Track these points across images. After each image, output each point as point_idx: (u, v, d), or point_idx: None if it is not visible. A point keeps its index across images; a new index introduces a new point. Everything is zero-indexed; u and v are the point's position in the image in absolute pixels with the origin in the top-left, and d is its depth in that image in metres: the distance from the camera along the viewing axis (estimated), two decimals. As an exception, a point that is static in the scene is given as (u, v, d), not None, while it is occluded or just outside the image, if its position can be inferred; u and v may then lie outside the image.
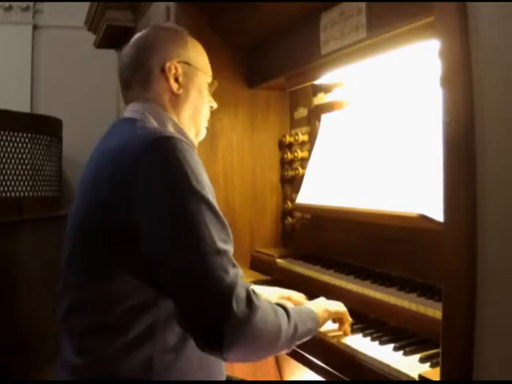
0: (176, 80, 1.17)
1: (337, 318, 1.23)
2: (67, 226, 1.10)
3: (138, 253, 0.97)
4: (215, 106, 1.29)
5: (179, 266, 0.93)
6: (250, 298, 0.93)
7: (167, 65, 1.16)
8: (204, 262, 0.91)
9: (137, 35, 1.23)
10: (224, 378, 1.15)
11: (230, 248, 0.96)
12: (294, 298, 1.39)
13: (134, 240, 0.96)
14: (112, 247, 0.99)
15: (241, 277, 0.95)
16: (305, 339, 1.11)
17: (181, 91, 1.18)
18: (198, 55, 1.23)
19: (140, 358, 0.98)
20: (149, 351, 0.99)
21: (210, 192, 0.98)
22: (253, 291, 0.95)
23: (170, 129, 1.14)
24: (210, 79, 1.26)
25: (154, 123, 1.11)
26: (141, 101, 1.16)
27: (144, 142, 0.98)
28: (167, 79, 1.16)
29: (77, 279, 1.04)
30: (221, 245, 0.93)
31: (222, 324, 0.89)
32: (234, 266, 0.94)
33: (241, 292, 0.91)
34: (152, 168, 0.96)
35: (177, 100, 1.18)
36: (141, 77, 1.17)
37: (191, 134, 1.22)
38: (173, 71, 1.16)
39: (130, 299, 0.98)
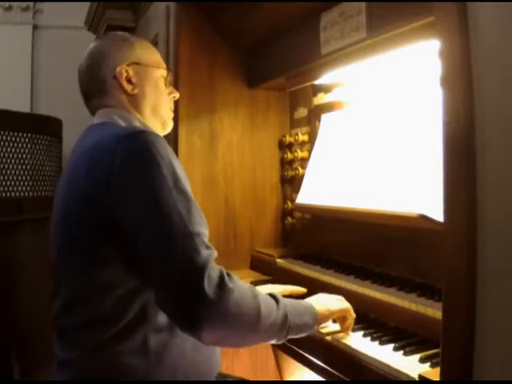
0: (130, 82, 1.23)
1: (339, 317, 1.23)
2: (50, 228, 1.17)
3: (120, 242, 1.01)
4: (177, 95, 1.35)
5: (154, 252, 0.97)
6: (222, 280, 0.95)
7: (117, 70, 1.22)
8: (176, 245, 0.95)
9: (88, 49, 1.28)
10: (219, 360, 1.18)
11: (203, 230, 1.00)
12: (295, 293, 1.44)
13: (116, 231, 1.01)
14: (96, 240, 1.03)
15: (214, 258, 0.97)
16: (303, 333, 1.11)
17: (136, 91, 1.23)
18: (146, 53, 1.28)
19: (136, 340, 1.02)
20: (143, 333, 1.02)
21: (182, 180, 1.02)
22: (227, 274, 0.97)
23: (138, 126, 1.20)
24: (164, 72, 1.30)
25: (122, 124, 1.17)
26: (104, 108, 1.22)
27: (117, 137, 1.04)
28: (120, 83, 1.22)
29: (67, 278, 1.08)
30: (193, 227, 0.97)
31: (194, 304, 0.92)
32: (207, 247, 0.97)
33: (213, 273, 0.94)
34: (125, 161, 1.00)
35: (135, 100, 1.24)
36: (97, 88, 1.23)
37: (157, 129, 1.28)
38: (124, 75, 1.22)
39: (119, 287, 1.02)
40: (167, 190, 0.99)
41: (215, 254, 0.99)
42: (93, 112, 1.26)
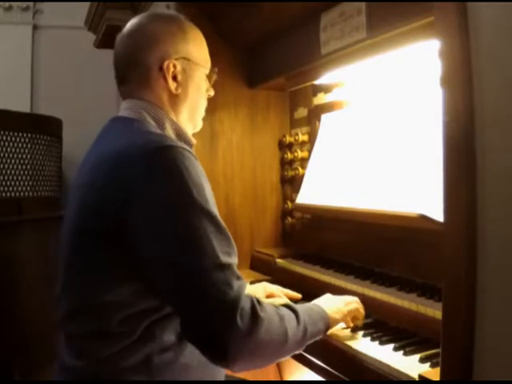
0: (174, 78, 1.13)
1: (350, 318, 1.22)
2: (63, 229, 1.08)
3: (138, 264, 0.95)
4: (213, 93, 1.25)
5: (182, 282, 0.92)
6: (254, 311, 0.92)
7: (166, 63, 1.12)
8: (207, 277, 0.90)
9: (132, 24, 1.17)
10: (224, 375, 1.16)
11: (233, 260, 0.95)
12: (277, 294, 1.44)
13: (134, 252, 0.95)
14: (110, 257, 0.97)
15: (245, 289, 0.94)
16: (315, 339, 1.10)
17: (179, 90, 1.14)
18: (197, 48, 1.18)
19: (139, 358, 0.98)
20: (148, 351, 0.98)
21: (212, 203, 0.96)
22: (258, 302, 0.94)
23: (168, 129, 1.12)
24: (208, 71, 1.22)
25: (151, 123, 1.09)
26: (138, 98, 1.12)
27: (144, 150, 0.95)
28: (165, 78, 1.12)
29: (76, 284, 1.03)
30: (224, 258, 0.92)
31: (227, 339, 0.89)
32: (238, 278, 0.93)
33: (245, 306, 0.91)
34: (152, 180, 0.93)
35: (175, 100, 1.15)
36: (138, 74, 1.13)
37: (188, 129, 1.20)
38: (171, 70, 1.12)
39: (131, 307, 0.97)
40: (197, 217, 0.92)
41: (246, 282, 0.95)
42: (124, 96, 1.16)
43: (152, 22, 1.16)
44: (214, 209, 0.96)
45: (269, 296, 1.45)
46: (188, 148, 1.00)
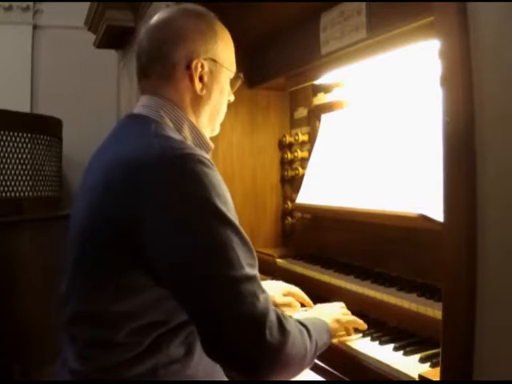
0: (201, 79, 1.08)
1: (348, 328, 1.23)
2: (71, 231, 1.04)
3: (153, 275, 0.93)
4: (233, 98, 1.21)
5: (207, 294, 0.88)
6: (281, 324, 0.91)
7: (194, 62, 1.06)
8: (235, 290, 0.87)
9: (161, 16, 1.11)
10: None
11: (257, 272, 0.93)
12: (297, 293, 1.42)
13: (146, 261, 0.91)
14: (117, 263, 0.94)
15: (270, 301, 0.92)
16: (321, 351, 1.10)
17: (204, 92, 1.10)
18: (225, 49, 1.14)
19: (145, 369, 0.95)
20: (154, 363, 0.96)
21: (233, 214, 0.94)
22: (282, 315, 0.94)
23: (186, 132, 1.08)
24: (232, 75, 1.17)
25: (169, 125, 1.04)
26: (158, 96, 1.07)
27: (163, 157, 0.91)
28: (192, 78, 1.07)
29: (83, 289, 0.99)
30: (249, 270, 0.90)
31: (258, 353, 0.88)
32: (263, 291, 0.91)
33: (273, 318, 0.90)
34: (173, 188, 0.90)
35: (198, 102, 1.10)
36: (162, 69, 1.07)
37: (207, 133, 1.16)
38: (199, 69, 1.07)
39: (138, 319, 0.94)
40: (221, 227, 0.89)
41: (268, 294, 0.93)
42: (143, 92, 1.10)
43: (182, 17, 1.10)
44: (236, 220, 0.93)
45: (288, 295, 1.45)
46: (207, 156, 0.97)
